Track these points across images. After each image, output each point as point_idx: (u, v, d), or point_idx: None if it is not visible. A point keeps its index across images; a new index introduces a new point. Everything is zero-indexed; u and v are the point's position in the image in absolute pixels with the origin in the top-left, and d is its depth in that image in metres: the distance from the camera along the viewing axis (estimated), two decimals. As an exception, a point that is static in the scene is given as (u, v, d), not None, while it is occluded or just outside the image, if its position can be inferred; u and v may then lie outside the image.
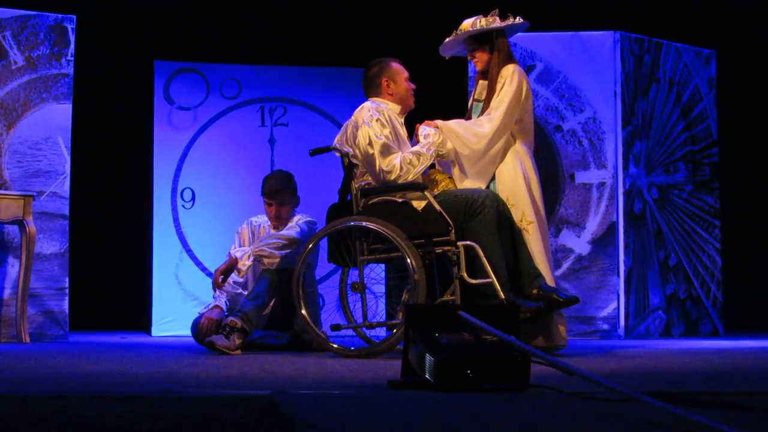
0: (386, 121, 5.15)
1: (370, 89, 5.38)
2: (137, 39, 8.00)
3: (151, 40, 8.02)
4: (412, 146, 5.21)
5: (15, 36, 6.52)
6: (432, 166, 5.30)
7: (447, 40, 5.38)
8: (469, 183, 5.15)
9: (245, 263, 5.73)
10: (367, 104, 5.25)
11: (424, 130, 5.22)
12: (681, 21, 8.21)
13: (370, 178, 5.12)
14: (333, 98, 7.89)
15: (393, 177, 5.03)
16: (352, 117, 5.24)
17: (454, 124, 5.22)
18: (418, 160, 5.08)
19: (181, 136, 7.70)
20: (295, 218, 5.88)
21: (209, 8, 8.22)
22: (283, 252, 5.63)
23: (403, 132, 5.27)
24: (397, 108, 5.32)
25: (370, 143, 5.06)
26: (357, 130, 5.13)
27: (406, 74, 5.37)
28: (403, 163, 5.03)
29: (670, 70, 7.54)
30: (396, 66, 5.37)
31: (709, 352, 5.60)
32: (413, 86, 5.38)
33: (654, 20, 8.13)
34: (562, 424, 2.38)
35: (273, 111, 7.85)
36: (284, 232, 5.74)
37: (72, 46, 6.69)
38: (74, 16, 6.74)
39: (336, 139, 5.29)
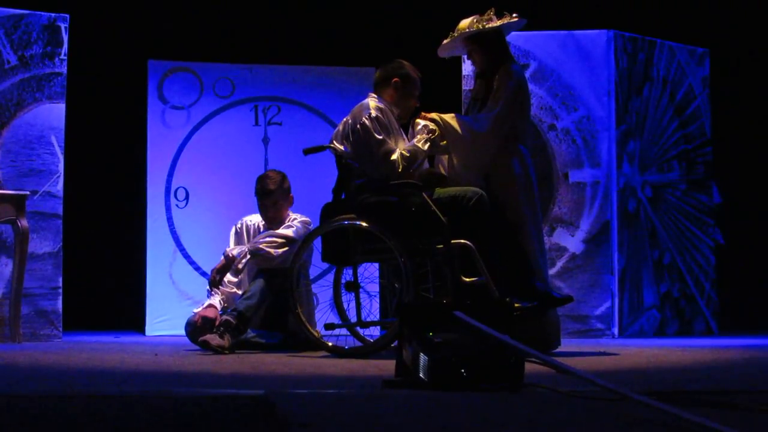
0: (385, 118, 5.13)
1: (380, 82, 5.32)
2: (131, 38, 7.98)
3: (145, 39, 8.01)
4: (409, 140, 5.20)
5: (8, 35, 6.50)
6: (431, 164, 5.31)
7: (444, 42, 5.36)
8: (463, 180, 5.15)
9: (242, 261, 5.74)
10: (366, 101, 5.23)
11: (420, 123, 5.22)
12: (675, 20, 8.22)
13: (365, 177, 5.10)
14: (327, 97, 7.88)
15: (390, 173, 5.01)
16: (351, 113, 5.22)
17: (450, 119, 5.21)
18: (414, 155, 5.07)
19: (175, 135, 7.68)
20: (290, 218, 5.88)
21: (203, 8, 8.21)
22: (280, 251, 5.63)
23: (399, 129, 5.26)
24: (395, 110, 5.28)
25: (369, 140, 5.05)
26: (356, 127, 5.11)
27: (418, 91, 5.33)
28: (399, 159, 5.03)
29: (663, 69, 7.54)
30: (414, 77, 5.31)
31: (702, 350, 5.61)
32: (417, 104, 5.33)
33: (648, 19, 8.13)
34: (555, 423, 2.38)
35: (266, 110, 7.84)
36: (280, 230, 5.75)
37: (65, 45, 6.67)
38: (68, 15, 6.72)
39: (332, 137, 5.27)
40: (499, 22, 5.26)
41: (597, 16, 7.76)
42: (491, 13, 5.27)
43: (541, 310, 4.97)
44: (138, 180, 7.70)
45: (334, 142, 5.20)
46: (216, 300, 5.79)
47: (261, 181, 5.92)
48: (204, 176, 7.67)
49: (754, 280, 8.38)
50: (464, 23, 5.30)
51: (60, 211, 6.60)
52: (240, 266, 5.79)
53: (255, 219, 6.02)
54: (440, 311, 3.42)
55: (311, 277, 6.05)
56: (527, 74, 7.15)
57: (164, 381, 3.59)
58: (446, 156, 5.30)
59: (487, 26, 5.24)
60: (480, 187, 5.03)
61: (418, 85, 5.32)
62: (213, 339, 5.27)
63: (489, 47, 5.29)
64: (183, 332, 5.84)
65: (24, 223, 6.18)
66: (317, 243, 5.25)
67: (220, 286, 5.80)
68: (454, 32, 5.32)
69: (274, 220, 5.87)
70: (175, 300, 7.48)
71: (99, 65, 7.87)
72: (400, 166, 5.02)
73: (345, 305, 5.39)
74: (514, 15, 5.27)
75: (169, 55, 7.81)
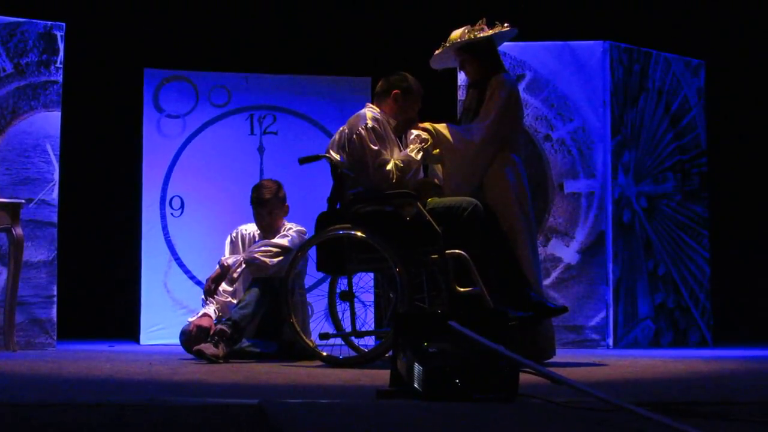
0: (381, 128, 5.12)
1: (380, 93, 5.30)
2: (127, 47, 7.99)
3: (141, 47, 8.01)
4: (403, 149, 5.20)
5: (4, 43, 6.50)
6: (425, 173, 5.31)
7: (436, 53, 5.36)
8: (457, 189, 5.14)
9: (237, 271, 5.73)
10: (363, 112, 5.22)
11: (413, 133, 5.22)
12: (670, 31, 8.24)
13: (361, 186, 5.10)
14: (322, 106, 7.88)
15: (385, 184, 5.01)
16: (347, 123, 5.22)
17: (444, 128, 5.21)
18: (408, 165, 5.07)
19: (170, 143, 7.68)
20: (285, 227, 5.87)
21: (198, 16, 8.21)
22: (275, 260, 5.62)
23: (395, 140, 5.26)
24: (392, 122, 5.27)
25: (364, 150, 5.05)
26: (352, 137, 5.10)
27: (418, 106, 5.31)
28: (393, 169, 5.03)
29: (659, 80, 7.55)
30: (416, 91, 5.28)
31: (697, 361, 5.61)
32: (415, 118, 5.30)
33: (643, 30, 8.15)
34: (550, 434, 2.38)
35: (262, 119, 7.85)
36: (276, 240, 5.74)
37: (61, 53, 6.67)
38: (64, 24, 6.72)
39: (328, 147, 5.27)
40: (490, 32, 5.26)
41: (593, 27, 7.78)
42: (482, 23, 5.27)
43: (535, 320, 4.96)
44: (133, 189, 7.70)
45: (330, 151, 5.20)
46: (211, 309, 5.79)
47: (256, 190, 5.92)
48: (199, 185, 7.67)
49: (749, 291, 8.39)
50: (455, 34, 5.31)
51: (55, 219, 6.59)
52: (235, 275, 5.79)
53: (250, 228, 6.01)
54: (435, 321, 3.41)
55: (306, 286, 6.05)
56: (523, 85, 7.16)
57: (158, 390, 3.59)
58: (440, 165, 5.30)
59: (478, 36, 5.24)
60: (473, 197, 5.03)
61: (418, 100, 5.29)
62: (208, 348, 5.26)
63: (480, 57, 5.29)
64: (178, 341, 5.83)
65: (19, 231, 6.17)
66: (312, 252, 5.25)
67: (215, 296, 5.80)
68: (445, 43, 5.32)
69: (269, 229, 5.86)
70: (169, 309, 7.47)
71: (95, 74, 7.88)
72: (394, 177, 5.02)
73: (340, 315, 5.38)
74: (506, 24, 5.27)
75: (164, 63, 7.81)
